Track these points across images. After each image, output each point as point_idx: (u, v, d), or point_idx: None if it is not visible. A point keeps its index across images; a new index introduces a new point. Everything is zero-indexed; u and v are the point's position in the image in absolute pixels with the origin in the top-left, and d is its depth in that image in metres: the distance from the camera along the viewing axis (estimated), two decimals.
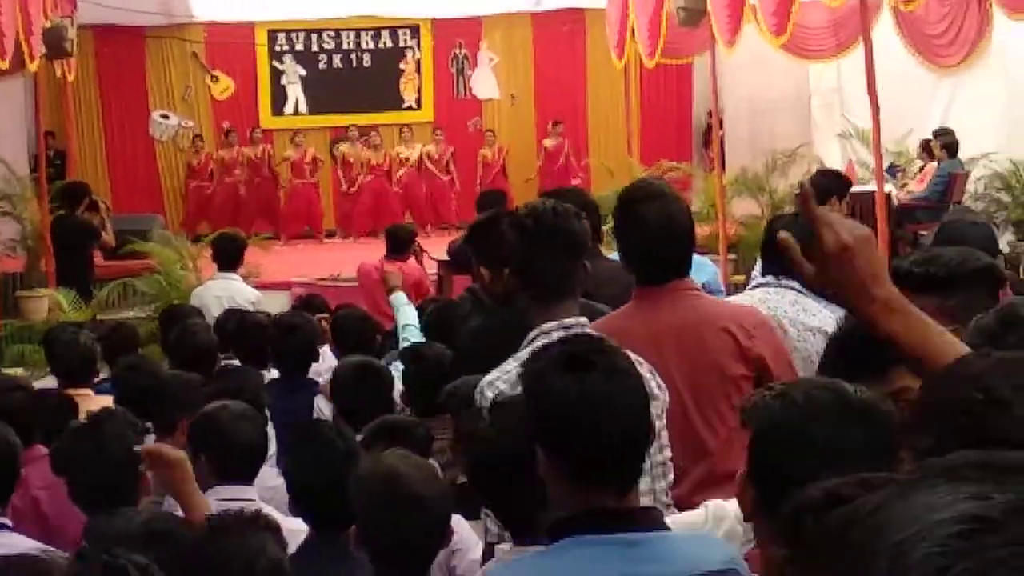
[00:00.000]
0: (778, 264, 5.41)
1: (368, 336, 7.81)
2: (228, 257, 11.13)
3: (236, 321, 8.25)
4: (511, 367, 3.91)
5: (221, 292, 10.73)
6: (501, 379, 3.92)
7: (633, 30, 18.27)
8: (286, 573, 3.40)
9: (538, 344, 3.86)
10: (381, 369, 6.29)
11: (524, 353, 3.94)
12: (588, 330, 3.93)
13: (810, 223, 2.37)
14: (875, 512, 0.96)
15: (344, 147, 22.98)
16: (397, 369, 6.55)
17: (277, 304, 12.40)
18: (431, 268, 12.56)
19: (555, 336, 3.88)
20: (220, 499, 4.79)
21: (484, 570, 3.35)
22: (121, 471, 4.37)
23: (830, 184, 9.55)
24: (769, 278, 5.30)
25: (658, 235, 4.34)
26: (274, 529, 3.52)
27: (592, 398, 2.79)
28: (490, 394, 3.90)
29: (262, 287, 12.24)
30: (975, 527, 0.90)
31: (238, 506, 4.62)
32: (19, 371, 9.74)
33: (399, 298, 8.08)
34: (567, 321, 3.93)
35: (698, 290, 4.52)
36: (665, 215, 4.37)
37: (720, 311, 4.55)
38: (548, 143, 23.37)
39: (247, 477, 4.89)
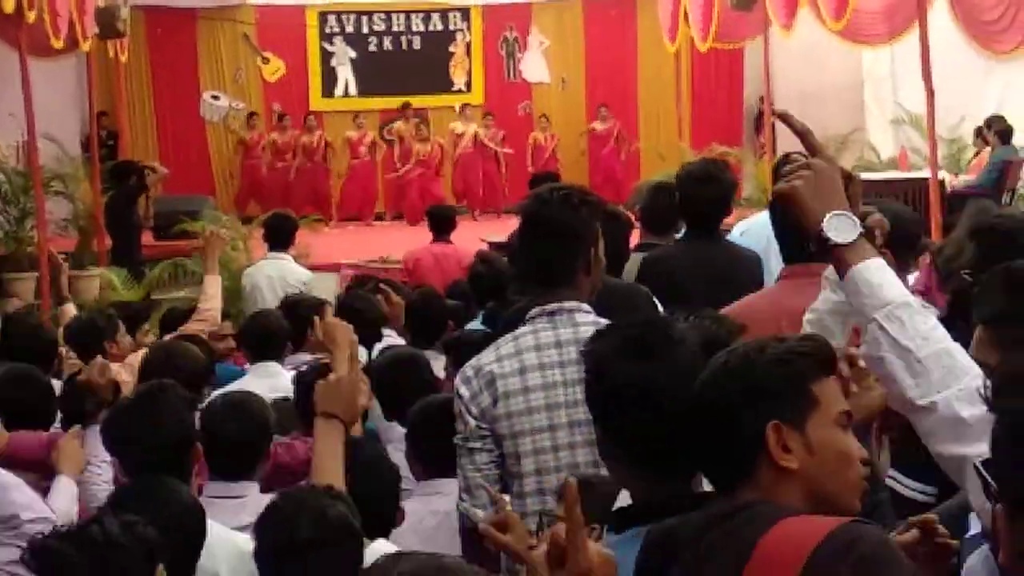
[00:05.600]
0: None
1: (441, 318, 7.56)
2: (280, 237, 11.14)
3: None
4: (503, 343, 4.02)
5: (273, 272, 10.75)
6: (485, 360, 4.00)
7: (686, 14, 18.22)
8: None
9: (522, 328, 4.00)
10: (415, 356, 6.16)
11: (504, 338, 4.05)
12: (577, 316, 3.95)
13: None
14: None
15: (399, 125, 22.94)
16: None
17: (326, 285, 12.43)
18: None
19: (540, 323, 3.98)
20: (211, 495, 4.60)
21: None
22: (173, 445, 4.23)
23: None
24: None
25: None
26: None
27: (644, 382, 2.75)
28: (470, 373, 3.99)
29: (311, 268, 12.26)
30: None
31: (230, 503, 4.52)
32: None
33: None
34: (550, 307, 3.97)
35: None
36: None
37: None
38: (598, 126, 23.32)
39: (239, 473, 4.70)
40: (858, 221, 2.78)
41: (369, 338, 7.38)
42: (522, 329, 4.01)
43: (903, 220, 5.06)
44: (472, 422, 3.94)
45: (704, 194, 5.90)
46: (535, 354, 3.93)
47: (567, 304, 3.97)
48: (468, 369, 4.02)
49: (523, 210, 4.11)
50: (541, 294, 4.03)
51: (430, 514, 4.72)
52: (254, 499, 4.46)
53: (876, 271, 2.71)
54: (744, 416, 2.42)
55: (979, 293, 3.35)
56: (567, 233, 3.98)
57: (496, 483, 3.93)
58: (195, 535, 3.73)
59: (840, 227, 2.74)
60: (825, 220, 2.73)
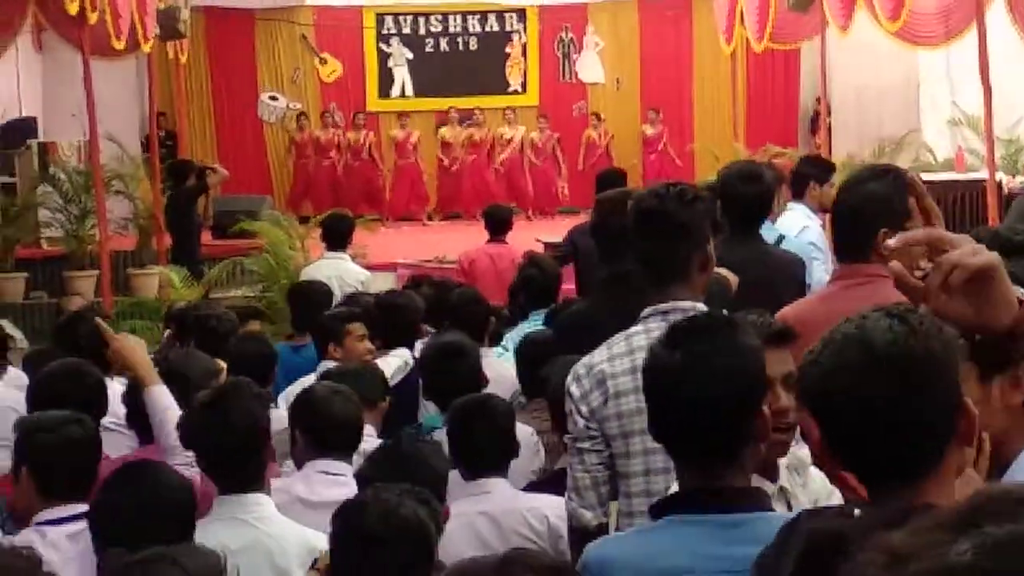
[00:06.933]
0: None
1: (481, 318, 7.55)
2: (338, 237, 11.25)
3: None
4: (615, 341, 3.95)
5: (331, 271, 10.81)
6: (597, 359, 3.92)
7: (742, 15, 18.23)
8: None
9: (635, 327, 3.93)
10: (467, 348, 6.18)
11: (616, 337, 3.96)
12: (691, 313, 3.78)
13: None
14: None
15: (444, 131, 23.12)
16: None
17: (383, 284, 12.54)
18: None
19: (652, 322, 3.88)
20: (317, 470, 4.89)
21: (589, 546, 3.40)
22: (247, 443, 4.37)
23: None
24: None
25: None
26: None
27: (672, 373, 2.84)
28: (581, 372, 3.92)
29: (368, 268, 12.36)
30: None
31: (331, 479, 4.78)
32: None
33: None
34: (664, 306, 3.90)
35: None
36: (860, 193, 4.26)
37: None
38: (647, 130, 23.31)
39: (343, 452, 4.95)
40: None
41: (409, 336, 7.49)
42: (635, 328, 3.92)
43: None
44: (581, 422, 3.88)
45: (743, 193, 5.87)
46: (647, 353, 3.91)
47: (682, 304, 3.86)
48: (580, 368, 3.93)
49: (637, 206, 4.00)
50: (654, 290, 3.94)
51: (479, 515, 4.71)
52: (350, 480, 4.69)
53: None
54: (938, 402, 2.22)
55: None
56: (683, 229, 3.90)
57: (605, 484, 3.88)
58: (183, 512, 3.97)
59: None
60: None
